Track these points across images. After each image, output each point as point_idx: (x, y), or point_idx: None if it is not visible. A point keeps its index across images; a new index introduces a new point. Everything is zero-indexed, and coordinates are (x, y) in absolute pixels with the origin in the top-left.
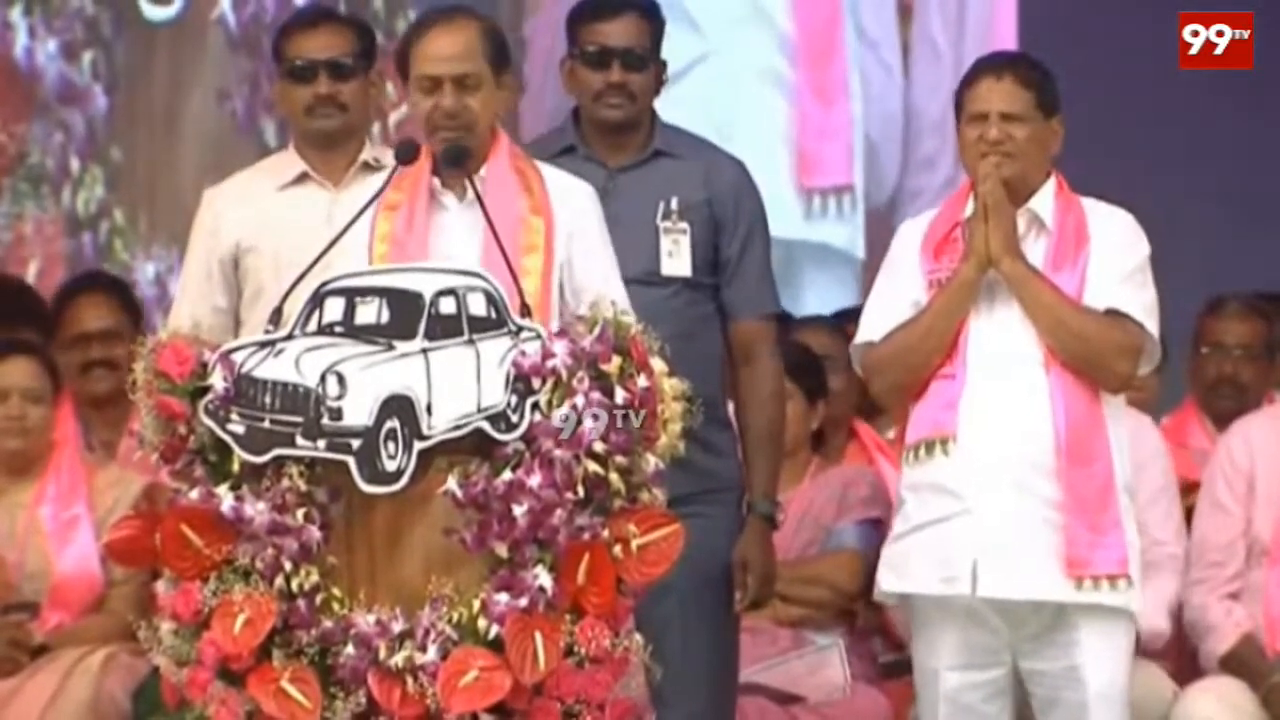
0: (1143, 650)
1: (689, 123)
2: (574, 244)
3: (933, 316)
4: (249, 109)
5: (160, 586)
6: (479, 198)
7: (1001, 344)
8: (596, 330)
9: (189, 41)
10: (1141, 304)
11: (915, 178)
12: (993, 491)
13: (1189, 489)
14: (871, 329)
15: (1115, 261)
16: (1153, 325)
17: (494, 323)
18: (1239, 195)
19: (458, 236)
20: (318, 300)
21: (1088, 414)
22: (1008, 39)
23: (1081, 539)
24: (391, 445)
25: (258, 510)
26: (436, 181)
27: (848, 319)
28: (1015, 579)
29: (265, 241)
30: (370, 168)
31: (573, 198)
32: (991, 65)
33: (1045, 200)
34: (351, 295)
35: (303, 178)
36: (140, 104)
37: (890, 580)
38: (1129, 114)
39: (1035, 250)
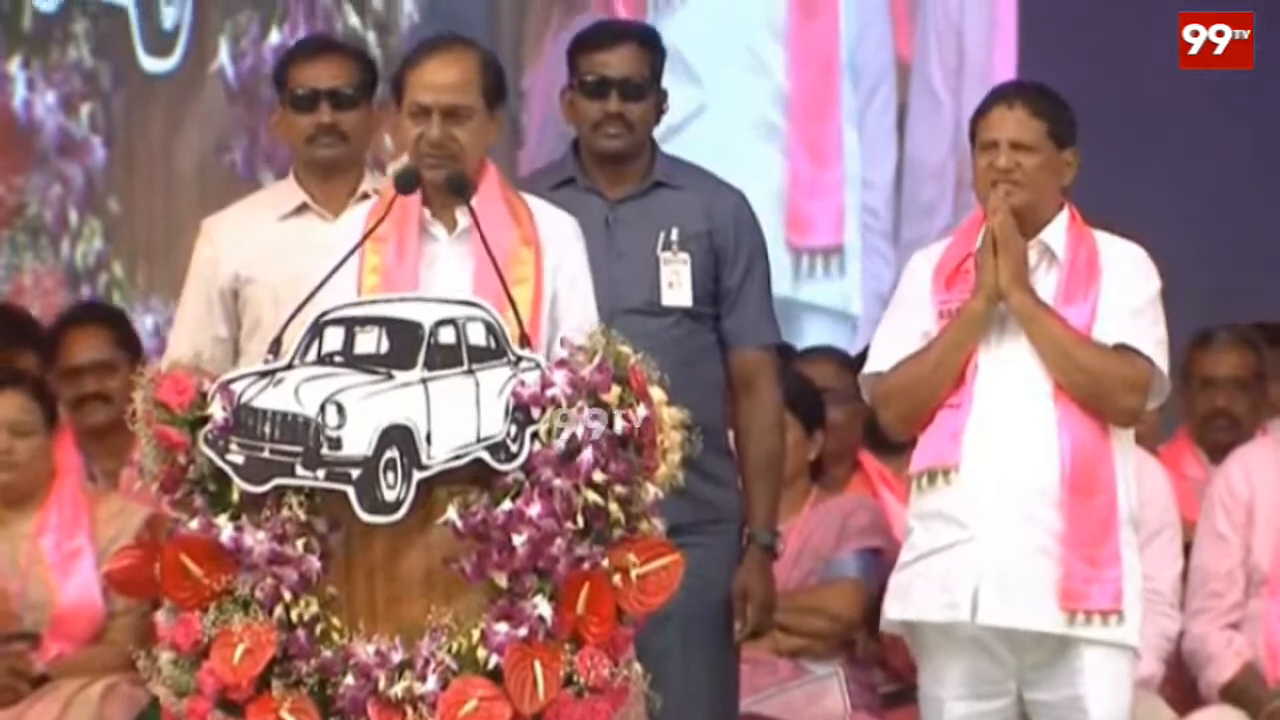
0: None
1: None
2: (559, 275)
3: (942, 349)
4: (248, 161)
5: (160, 616)
6: (477, 226)
7: (1010, 375)
8: (596, 360)
9: (188, 94)
10: (1151, 339)
11: (914, 225)
12: (997, 520)
13: (1186, 520)
14: (881, 359)
15: (1126, 296)
16: (1162, 361)
17: (493, 352)
18: (1238, 200)
19: (449, 268)
20: (317, 330)
21: (1095, 446)
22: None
23: (1078, 572)
24: (391, 475)
25: (257, 540)
26: (427, 212)
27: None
28: (1013, 608)
29: (264, 272)
30: (370, 199)
31: (558, 229)
32: (1004, 94)
33: (1057, 232)
34: (351, 325)
35: (302, 208)
36: (139, 156)
37: (895, 609)
38: (1129, 115)
39: (1046, 282)
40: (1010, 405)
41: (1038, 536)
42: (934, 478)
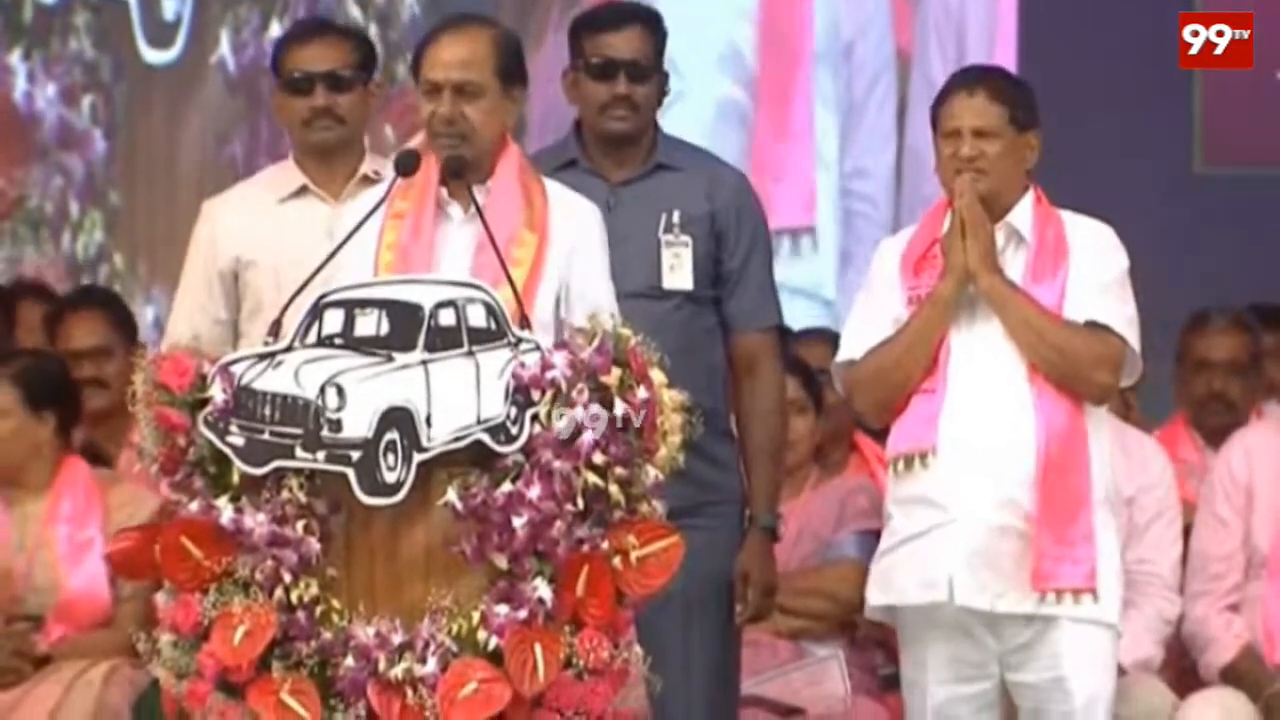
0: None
1: None
2: (573, 261)
3: (912, 334)
4: (249, 153)
5: (160, 598)
6: (479, 210)
7: (983, 358)
8: (596, 342)
9: (188, 85)
10: (1121, 316)
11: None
12: (975, 502)
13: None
14: (852, 347)
15: (1094, 274)
16: (1133, 337)
17: (493, 334)
18: (1237, 198)
19: (458, 248)
20: (317, 312)
21: (1069, 426)
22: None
23: (1049, 552)
24: (391, 457)
25: (257, 522)
26: (444, 191)
27: None
28: (988, 590)
29: (265, 255)
30: (370, 180)
31: (575, 215)
32: (964, 81)
33: (1023, 214)
34: (351, 307)
35: (302, 190)
36: (139, 148)
37: (877, 595)
38: (1129, 117)
39: (1014, 263)
40: (985, 387)
41: (1014, 519)
42: (910, 462)
